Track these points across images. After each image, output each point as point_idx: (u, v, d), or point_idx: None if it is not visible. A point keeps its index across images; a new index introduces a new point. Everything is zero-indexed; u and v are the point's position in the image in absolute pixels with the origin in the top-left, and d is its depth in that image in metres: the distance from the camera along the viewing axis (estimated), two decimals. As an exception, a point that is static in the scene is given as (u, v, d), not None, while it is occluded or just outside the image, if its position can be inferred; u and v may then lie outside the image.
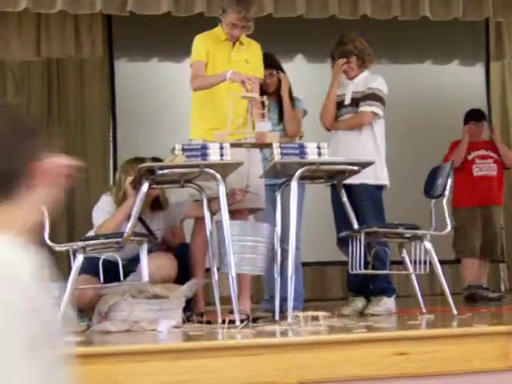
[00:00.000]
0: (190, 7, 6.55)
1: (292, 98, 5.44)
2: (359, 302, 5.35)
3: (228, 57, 4.99)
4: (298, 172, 4.43)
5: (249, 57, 5.03)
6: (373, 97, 5.37)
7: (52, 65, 7.49)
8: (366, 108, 5.37)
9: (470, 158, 6.75)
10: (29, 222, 1.48)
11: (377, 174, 5.31)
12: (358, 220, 4.94)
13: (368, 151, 5.29)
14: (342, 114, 5.49)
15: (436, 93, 7.86)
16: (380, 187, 5.40)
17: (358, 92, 5.45)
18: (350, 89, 5.49)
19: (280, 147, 4.49)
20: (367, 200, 5.29)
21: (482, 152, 6.82)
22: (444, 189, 5.01)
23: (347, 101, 5.47)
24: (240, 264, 4.51)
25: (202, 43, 5.03)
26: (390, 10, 6.91)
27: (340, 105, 5.50)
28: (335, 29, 7.15)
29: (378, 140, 5.40)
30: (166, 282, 4.72)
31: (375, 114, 5.37)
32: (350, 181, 4.99)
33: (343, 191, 4.91)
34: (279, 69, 5.46)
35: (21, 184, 1.43)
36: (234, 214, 4.79)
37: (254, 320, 4.58)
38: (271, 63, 5.37)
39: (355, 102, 5.44)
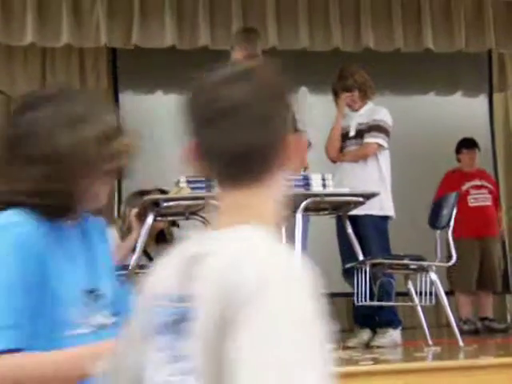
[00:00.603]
0: (194, 40, 6.59)
1: (296, 130, 5.46)
2: (365, 334, 5.31)
3: None
4: (303, 204, 4.43)
5: None
6: (377, 128, 5.40)
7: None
8: (370, 139, 5.39)
9: (464, 188, 6.72)
10: (278, 209, 1.21)
11: (382, 205, 5.31)
12: (363, 251, 4.93)
13: (373, 182, 5.29)
14: (347, 145, 5.51)
15: (439, 124, 7.87)
16: (385, 218, 5.39)
17: (362, 123, 5.48)
18: (354, 120, 5.52)
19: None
20: (372, 231, 5.28)
21: (476, 182, 6.81)
22: (449, 220, 5.01)
23: (352, 132, 5.49)
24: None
25: None
26: (392, 42, 6.95)
27: (345, 136, 5.53)
28: (338, 61, 7.18)
29: (384, 171, 5.42)
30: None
31: (380, 146, 5.38)
32: (355, 212, 4.99)
33: (348, 222, 4.91)
34: None
35: (273, 162, 1.17)
36: None
37: None
38: None
39: (360, 133, 5.46)
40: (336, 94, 5.65)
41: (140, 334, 1.15)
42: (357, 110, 5.56)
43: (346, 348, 4.69)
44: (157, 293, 1.16)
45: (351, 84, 5.53)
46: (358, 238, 5.02)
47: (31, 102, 1.65)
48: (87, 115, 1.67)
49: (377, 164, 5.42)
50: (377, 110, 5.53)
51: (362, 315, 5.37)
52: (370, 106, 5.58)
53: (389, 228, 5.43)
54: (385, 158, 5.47)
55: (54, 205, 1.61)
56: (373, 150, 5.39)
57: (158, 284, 1.19)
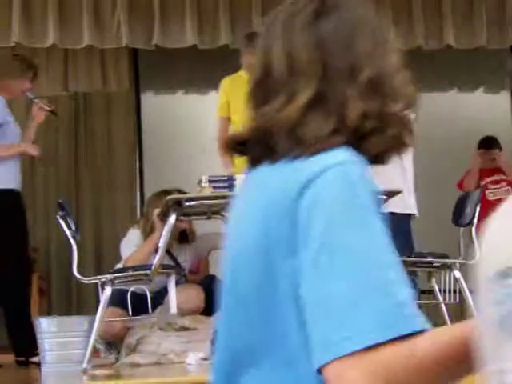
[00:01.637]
0: (215, 40, 6.60)
1: None
2: None
3: None
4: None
5: None
6: None
7: (79, 99, 7.56)
8: None
9: (482, 183, 6.70)
10: None
11: (405, 203, 5.29)
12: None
13: (396, 180, 5.27)
14: None
15: (461, 121, 7.84)
16: (408, 216, 5.38)
17: None
18: None
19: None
20: (396, 229, 5.24)
21: (495, 177, 6.78)
22: (473, 217, 4.97)
23: None
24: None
25: (221, 96, 5.20)
26: (414, 40, 6.92)
27: None
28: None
29: (407, 169, 5.39)
30: (194, 313, 4.72)
31: None
32: None
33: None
34: None
35: None
36: None
37: None
38: None
39: None
40: None
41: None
42: None
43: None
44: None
45: None
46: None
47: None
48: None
49: (400, 162, 5.39)
50: None
51: None
52: None
53: (413, 226, 5.42)
54: (407, 156, 5.44)
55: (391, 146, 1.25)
56: None
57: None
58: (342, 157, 1.14)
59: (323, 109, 1.18)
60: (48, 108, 5.24)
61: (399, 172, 5.38)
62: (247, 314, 1.21)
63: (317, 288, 1.08)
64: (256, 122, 1.25)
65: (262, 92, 1.27)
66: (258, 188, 1.21)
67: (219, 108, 5.34)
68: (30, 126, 5.22)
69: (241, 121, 5.05)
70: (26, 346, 4.94)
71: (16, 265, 5.00)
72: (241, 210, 1.27)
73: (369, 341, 1.04)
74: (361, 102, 1.19)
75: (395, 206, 5.11)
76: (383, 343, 1.04)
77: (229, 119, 5.30)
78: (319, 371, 1.07)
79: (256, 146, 1.24)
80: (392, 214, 5.22)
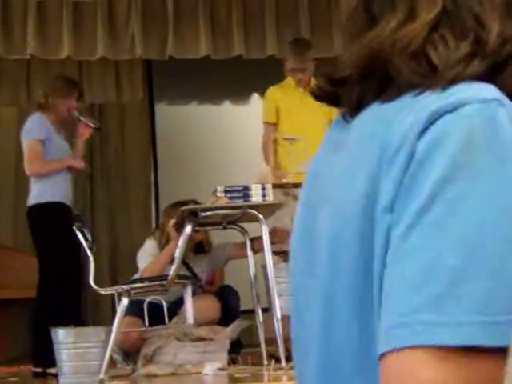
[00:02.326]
0: (229, 50, 6.62)
1: None
2: None
3: (300, 102, 5.15)
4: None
5: None
6: None
7: (93, 110, 7.59)
8: None
9: None
10: None
11: None
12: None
13: None
14: None
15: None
16: None
17: None
18: None
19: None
20: None
21: None
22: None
23: None
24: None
25: (269, 103, 5.29)
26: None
27: None
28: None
29: None
30: (210, 323, 4.72)
31: None
32: None
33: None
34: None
35: None
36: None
37: None
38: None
39: None
40: None
41: None
42: None
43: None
44: None
45: None
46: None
47: None
48: None
49: None
50: None
51: None
52: None
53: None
54: None
55: None
56: None
57: None
58: (484, 93, 0.82)
59: (453, 29, 0.91)
60: (93, 125, 5.50)
61: None
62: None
63: (413, 252, 0.75)
64: (362, 49, 0.94)
65: (366, 12, 0.97)
66: (362, 141, 0.88)
67: (267, 114, 5.43)
68: (77, 144, 5.47)
69: (291, 127, 5.20)
70: (46, 357, 4.94)
71: (55, 274, 5.10)
72: (327, 184, 0.93)
73: (470, 340, 0.71)
74: (498, 22, 0.91)
75: None
76: (485, 350, 0.71)
77: (274, 125, 5.39)
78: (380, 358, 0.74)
79: (362, 82, 0.94)
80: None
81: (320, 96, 1.03)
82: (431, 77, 0.87)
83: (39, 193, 5.20)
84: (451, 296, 0.72)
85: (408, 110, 0.83)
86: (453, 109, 0.80)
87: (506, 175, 0.76)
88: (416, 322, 0.72)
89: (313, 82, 5.28)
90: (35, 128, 5.22)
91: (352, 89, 0.95)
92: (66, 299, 5.12)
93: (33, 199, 5.23)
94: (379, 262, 0.79)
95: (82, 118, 5.48)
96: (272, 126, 5.43)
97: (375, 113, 0.90)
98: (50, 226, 5.15)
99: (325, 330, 0.89)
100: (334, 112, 5.24)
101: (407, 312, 0.73)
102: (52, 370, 4.84)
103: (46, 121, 5.29)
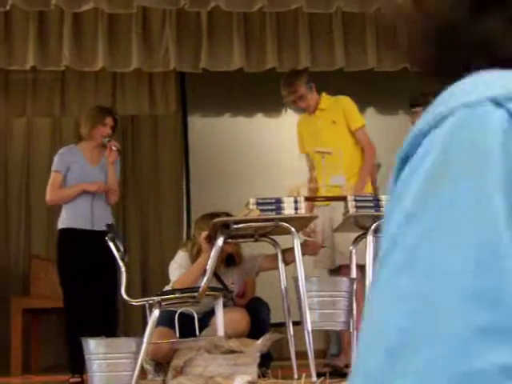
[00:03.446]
0: (262, 63, 6.63)
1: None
2: None
3: (315, 126, 5.17)
4: (374, 225, 4.40)
5: (335, 117, 5.19)
6: None
7: (126, 121, 7.63)
8: None
9: None
10: None
11: None
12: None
13: None
14: None
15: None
16: None
17: None
18: None
19: (355, 200, 4.48)
20: None
21: None
22: None
23: None
24: (321, 320, 4.45)
25: (298, 134, 5.46)
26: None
27: None
28: (406, 81, 7.16)
29: None
30: (240, 336, 4.71)
31: None
32: None
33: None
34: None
35: None
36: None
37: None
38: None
39: None
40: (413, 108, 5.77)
41: None
42: None
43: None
44: None
45: (430, 100, 5.61)
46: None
47: None
48: None
49: None
50: None
51: None
52: None
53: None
54: None
55: None
56: None
57: None
58: (479, 91, 0.62)
59: None
60: (115, 148, 5.74)
61: None
62: None
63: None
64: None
65: None
66: None
67: (299, 147, 5.50)
68: (108, 167, 5.78)
69: (312, 155, 5.26)
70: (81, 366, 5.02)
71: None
72: None
73: None
74: None
75: None
76: None
77: (308, 154, 5.42)
78: None
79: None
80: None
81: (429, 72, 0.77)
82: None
83: (62, 219, 5.61)
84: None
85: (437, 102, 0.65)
86: (436, 124, 0.63)
87: (479, 214, 0.57)
88: None
89: (323, 96, 5.30)
90: (56, 161, 5.66)
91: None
92: (94, 310, 5.29)
93: (59, 223, 5.62)
94: None
95: (108, 143, 5.72)
96: (307, 156, 5.46)
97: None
98: (67, 252, 5.50)
99: None
100: (353, 122, 5.23)
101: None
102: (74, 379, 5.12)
103: (74, 153, 5.69)
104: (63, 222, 5.57)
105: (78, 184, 5.60)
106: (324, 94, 5.34)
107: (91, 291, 5.36)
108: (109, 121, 5.73)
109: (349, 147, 5.18)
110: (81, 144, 5.75)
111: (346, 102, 5.29)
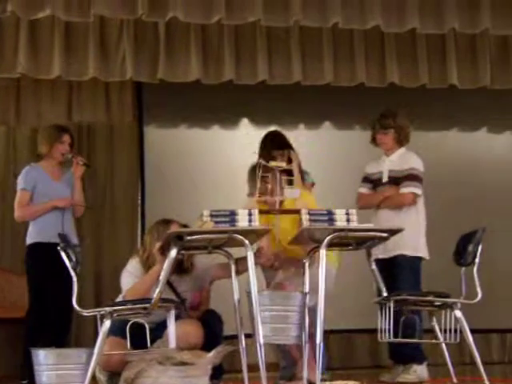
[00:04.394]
0: (219, 75, 6.62)
1: (302, 173, 5.43)
2: (399, 369, 5.51)
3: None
4: (327, 239, 4.41)
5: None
6: (412, 177, 5.63)
7: (82, 129, 7.58)
8: (406, 190, 5.61)
9: None
10: None
11: (415, 246, 5.57)
12: (395, 289, 4.90)
13: (409, 225, 5.38)
14: (381, 191, 5.69)
15: (466, 161, 7.87)
16: (418, 259, 5.58)
17: (393, 170, 5.69)
18: (386, 166, 5.70)
19: (309, 214, 4.49)
20: (404, 270, 5.47)
21: None
22: (475, 256, 4.95)
23: (385, 179, 5.75)
24: (272, 334, 4.44)
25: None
26: (417, 78, 6.95)
27: (378, 182, 5.71)
28: (363, 96, 7.21)
29: (420, 215, 5.61)
30: (193, 348, 4.69)
31: (416, 195, 5.53)
32: (390, 253, 5.44)
33: (372, 259, 4.87)
34: (289, 147, 5.39)
35: None
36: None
37: None
38: (282, 144, 5.35)
39: (393, 180, 5.67)
40: (374, 128, 5.78)
41: None
42: (388, 154, 5.78)
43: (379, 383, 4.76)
44: None
45: (389, 123, 5.69)
46: (392, 277, 5.30)
47: None
48: None
49: (414, 209, 5.58)
50: (408, 156, 5.73)
51: (393, 351, 5.58)
52: (401, 151, 5.74)
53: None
54: (420, 203, 5.67)
55: None
56: (409, 199, 5.60)
57: None
58: None
59: None
60: (81, 162, 6.06)
61: (413, 217, 5.57)
62: None
63: None
64: None
65: None
66: None
67: None
68: (74, 182, 6.03)
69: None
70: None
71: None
72: None
73: None
74: None
75: (406, 248, 5.41)
76: None
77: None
78: None
79: None
80: (402, 255, 5.42)
81: None
82: None
83: (31, 234, 5.84)
84: None
85: None
86: None
87: None
88: None
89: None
90: (22, 179, 5.90)
91: None
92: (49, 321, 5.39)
93: (27, 239, 5.85)
94: None
95: (73, 158, 6.05)
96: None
97: None
98: (38, 265, 5.72)
99: None
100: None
101: None
102: None
103: (38, 171, 5.93)
104: (32, 237, 5.79)
105: (48, 201, 5.84)
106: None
107: (58, 302, 5.57)
108: (66, 138, 6.00)
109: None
110: (41, 162, 5.99)
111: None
